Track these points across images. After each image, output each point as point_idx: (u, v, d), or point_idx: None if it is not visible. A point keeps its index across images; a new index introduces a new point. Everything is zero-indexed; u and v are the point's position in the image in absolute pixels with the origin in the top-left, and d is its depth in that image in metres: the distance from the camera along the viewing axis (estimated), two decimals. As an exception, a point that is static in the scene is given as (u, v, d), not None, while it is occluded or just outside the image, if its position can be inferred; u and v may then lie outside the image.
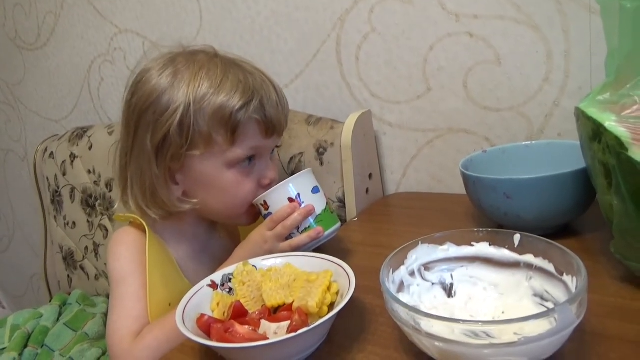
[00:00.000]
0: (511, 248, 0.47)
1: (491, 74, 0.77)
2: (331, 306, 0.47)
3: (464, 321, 0.36)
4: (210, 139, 0.61)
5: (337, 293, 0.48)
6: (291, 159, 0.86)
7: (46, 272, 1.40)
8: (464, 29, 0.77)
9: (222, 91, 0.61)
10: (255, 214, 0.68)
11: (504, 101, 0.77)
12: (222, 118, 0.60)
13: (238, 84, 0.62)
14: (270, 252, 0.62)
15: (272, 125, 0.64)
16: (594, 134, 0.45)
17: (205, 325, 0.44)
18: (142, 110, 0.62)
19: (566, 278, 0.41)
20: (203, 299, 0.50)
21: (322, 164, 0.83)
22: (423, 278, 0.48)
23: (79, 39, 1.33)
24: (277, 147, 0.73)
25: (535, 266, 0.45)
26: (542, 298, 0.44)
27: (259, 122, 0.63)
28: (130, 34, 1.22)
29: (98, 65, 1.32)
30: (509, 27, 0.74)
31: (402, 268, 0.47)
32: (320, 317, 0.43)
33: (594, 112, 0.44)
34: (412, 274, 0.48)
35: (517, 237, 0.46)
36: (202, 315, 0.46)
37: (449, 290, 0.48)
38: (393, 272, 0.46)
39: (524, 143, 0.69)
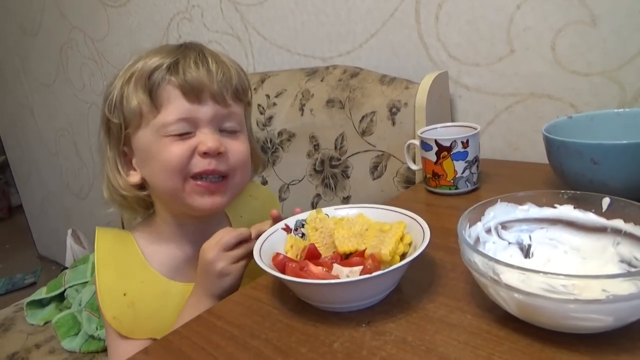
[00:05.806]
0: (598, 212, 0.45)
1: (583, 35, 0.72)
2: (403, 257, 0.47)
3: (545, 273, 0.35)
4: (138, 111, 0.60)
5: (409, 244, 0.48)
6: (362, 117, 0.86)
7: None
8: (556, -14, 0.72)
9: (142, 59, 0.62)
10: (198, 192, 0.61)
11: (595, 65, 0.72)
12: (141, 83, 0.60)
13: (162, 51, 0.62)
14: (214, 262, 0.57)
15: (193, 88, 0.59)
16: None
17: (281, 264, 0.46)
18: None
19: (660, 245, 0.39)
20: (277, 241, 0.51)
21: (394, 124, 0.82)
22: (499, 237, 0.47)
23: (159, -4, 1.38)
24: (234, 131, 0.64)
25: (625, 232, 0.43)
26: (629, 264, 0.41)
27: (177, 84, 0.59)
28: (209, -9, 1.24)
29: (177, 23, 1.36)
30: (609, -16, 0.68)
31: (479, 224, 0.46)
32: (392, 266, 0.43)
33: None
34: (488, 231, 0.47)
35: (606, 201, 0.44)
36: (278, 254, 0.47)
37: (526, 251, 0.47)
38: (470, 226, 0.45)
39: (614, 110, 0.65)
